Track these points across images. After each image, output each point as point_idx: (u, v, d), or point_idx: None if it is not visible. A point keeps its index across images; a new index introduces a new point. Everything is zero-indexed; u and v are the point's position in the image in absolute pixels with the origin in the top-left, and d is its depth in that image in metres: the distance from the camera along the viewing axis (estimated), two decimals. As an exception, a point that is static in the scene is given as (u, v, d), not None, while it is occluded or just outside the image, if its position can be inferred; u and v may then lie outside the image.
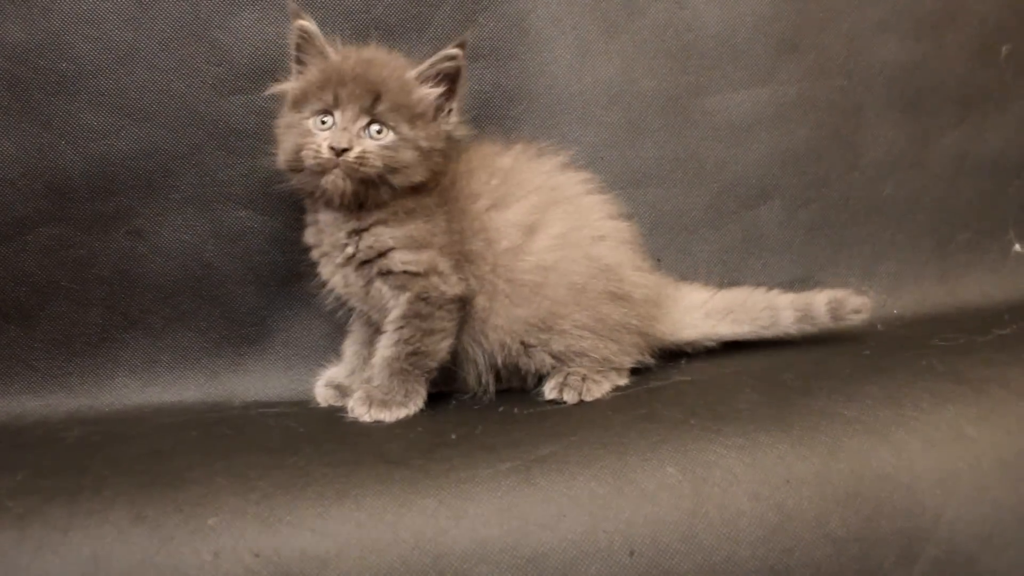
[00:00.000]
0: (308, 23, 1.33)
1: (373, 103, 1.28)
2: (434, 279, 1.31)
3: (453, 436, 1.19)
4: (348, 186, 1.28)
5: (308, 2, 1.50)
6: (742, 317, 1.54)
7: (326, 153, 1.26)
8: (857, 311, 1.54)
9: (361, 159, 1.26)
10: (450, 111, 1.35)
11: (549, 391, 1.34)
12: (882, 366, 1.39)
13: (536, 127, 1.61)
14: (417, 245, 1.31)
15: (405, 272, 1.31)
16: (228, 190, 1.51)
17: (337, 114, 1.29)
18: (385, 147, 1.28)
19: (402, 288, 1.32)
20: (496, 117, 1.60)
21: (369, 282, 1.34)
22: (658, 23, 1.68)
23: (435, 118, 1.33)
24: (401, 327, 1.31)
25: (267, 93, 1.39)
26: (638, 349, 1.42)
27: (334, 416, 1.31)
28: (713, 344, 1.54)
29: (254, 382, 1.54)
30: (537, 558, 1.00)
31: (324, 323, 1.53)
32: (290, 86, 1.36)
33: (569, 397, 1.33)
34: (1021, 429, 1.21)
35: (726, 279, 1.72)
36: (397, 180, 1.30)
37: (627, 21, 1.67)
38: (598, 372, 1.37)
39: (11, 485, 1.08)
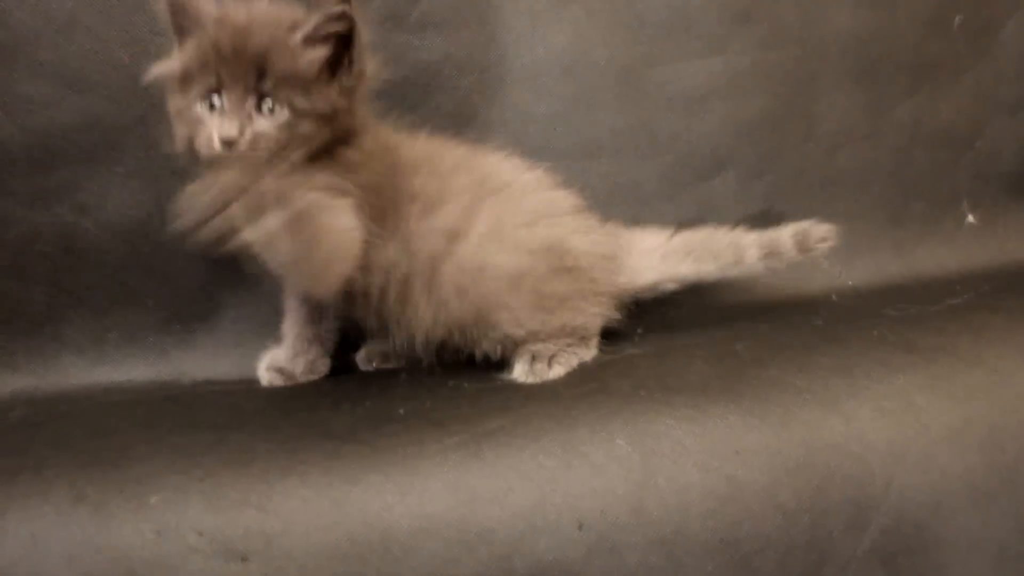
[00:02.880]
0: None
1: (259, 78, 1.19)
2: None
3: (401, 411, 1.17)
4: (253, 166, 1.18)
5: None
6: (704, 256, 1.50)
7: (218, 146, 1.18)
8: (823, 239, 1.51)
9: (254, 144, 1.19)
10: (349, 65, 1.23)
11: (519, 375, 1.31)
12: (835, 336, 1.39)
13: (487, 98, 1.60)
14: (336, 191, 1.20)
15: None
16: (174, 163, 1.47)
17: (223, 96, 1.20)
18: (280, 125, 1.20)
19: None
20: (446, 88, 1.58)
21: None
22: (611, -8, 1.66)
23: (333, 77, 1.23)
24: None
25: (147, 80, 1.26)
26: (600, 309, 1.39)
27: (282, 392, 1.29)
28: (676, 286, 1.51)
29: (204, 359, 1.52)
30: (485, 533, 0.99)
31: (274, 300, 1.50)
32: (170, 66, 1.23)
33: (533, 380, 1.30)
34: (969, 397, 1.21)
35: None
36: (301, 152, 1.21)
37: (579, -10, 1.65)
38: (567, 348, 1.34)
39: (-52, 468, 1.06)
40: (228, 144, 1.18)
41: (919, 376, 1.23)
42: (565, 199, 1.42)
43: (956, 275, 1.83)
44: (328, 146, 1.24)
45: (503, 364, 1.34)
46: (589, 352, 1.38)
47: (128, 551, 0.94)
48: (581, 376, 1.30)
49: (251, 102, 1.19)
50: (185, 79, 1.21)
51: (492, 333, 1.32)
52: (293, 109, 1.20)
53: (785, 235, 1.51)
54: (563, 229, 1.37)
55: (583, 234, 1.39)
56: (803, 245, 1.51)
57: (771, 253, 1.51)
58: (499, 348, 1.34)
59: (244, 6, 1.23)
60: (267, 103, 1.20)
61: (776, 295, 1.73)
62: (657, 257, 1.49)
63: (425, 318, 1.30)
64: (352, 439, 1.08)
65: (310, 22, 1.19)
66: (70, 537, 0.95)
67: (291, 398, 1.27)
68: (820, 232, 1.51)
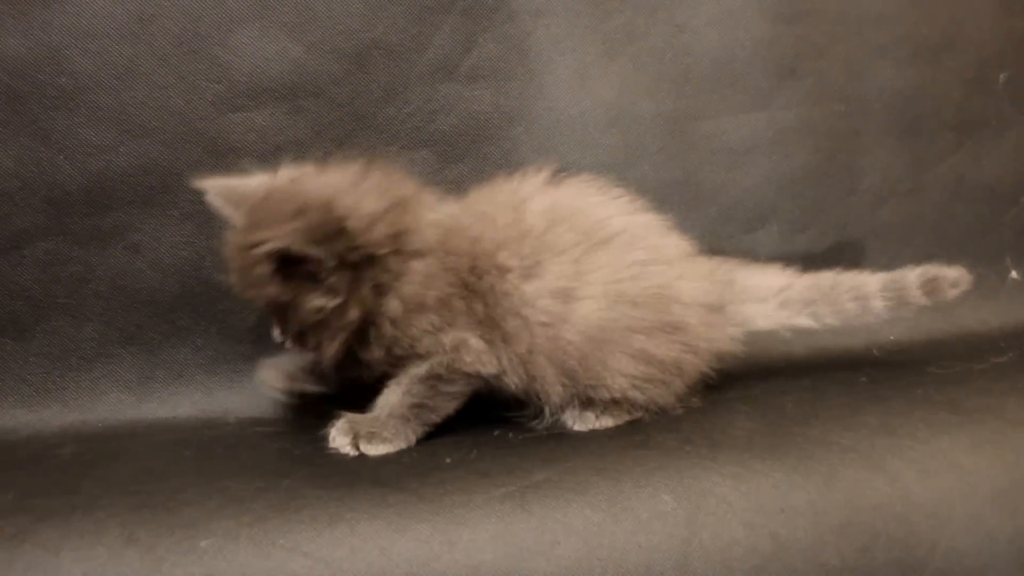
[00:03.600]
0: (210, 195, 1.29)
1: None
2: (465, 355, 1.25)
3: (448, 460, 1.18)
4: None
5: (308, 20, 1.52)
6: (825, 309, 1.42)
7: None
8: (955, 285, 1.42)
9: (296, 343, 1.27)
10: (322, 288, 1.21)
11: (568, 419, 1.31)
12: (878, 394, 1.40)
13: (535, 149, 1.62)
14: (438, 330, 1.25)
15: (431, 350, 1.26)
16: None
17: None
18: (293, 340, 1.27)
19: (428, 356, 1.26)
20: (495, 138, 1.61)
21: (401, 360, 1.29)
22: (657, 46, 1.68)
23: (306, 296, 1.21)
24: (416, 383, 1.26)
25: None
26: (686, 386, 1.36)
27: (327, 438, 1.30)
28: (790, 335, 1.45)
29: (249, 400, 1.53)
30: (531, 585, 1.00)
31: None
32: None
33: (580, 427, 1.31)
34: (1016, 460, 1.20)
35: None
36: (328, 351, 1.24)
37: (627, 44, 1.67)
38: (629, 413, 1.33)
39: (3, 504, 1.08)
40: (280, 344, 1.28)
41: (964, 437, 1.23)
42: (676, 246, 1.38)
43: (999, 332, 1.82)
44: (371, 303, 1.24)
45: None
46: (640, 413, 1.35)
47: (179, 594, 0.95)
48: (625, 429, 1.30)
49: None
50: None
51: (600, 394, 1.30)
52: (292, 328, 1.25)
53: (912, 282, 1.42)
54: (672, 274, 1.33)
55: (691, 283, 1.35)
56: (934, 292, 1.42)
57: (898, 302, 1.42)
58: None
59: (238, 228, 1.25)
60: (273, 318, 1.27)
61: (817, 348, 1.71)
62: (775, 304, 1.43)
63: (554, 387, 1.29)
64: (399, 488, 1.09)
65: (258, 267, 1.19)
66: (122, 578, 0.97)
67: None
68: (952, 277, 1.43)
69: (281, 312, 1.24)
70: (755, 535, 1.06)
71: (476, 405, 1.35)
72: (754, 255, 1.72)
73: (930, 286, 1.42)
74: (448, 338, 1.25)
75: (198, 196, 1.44)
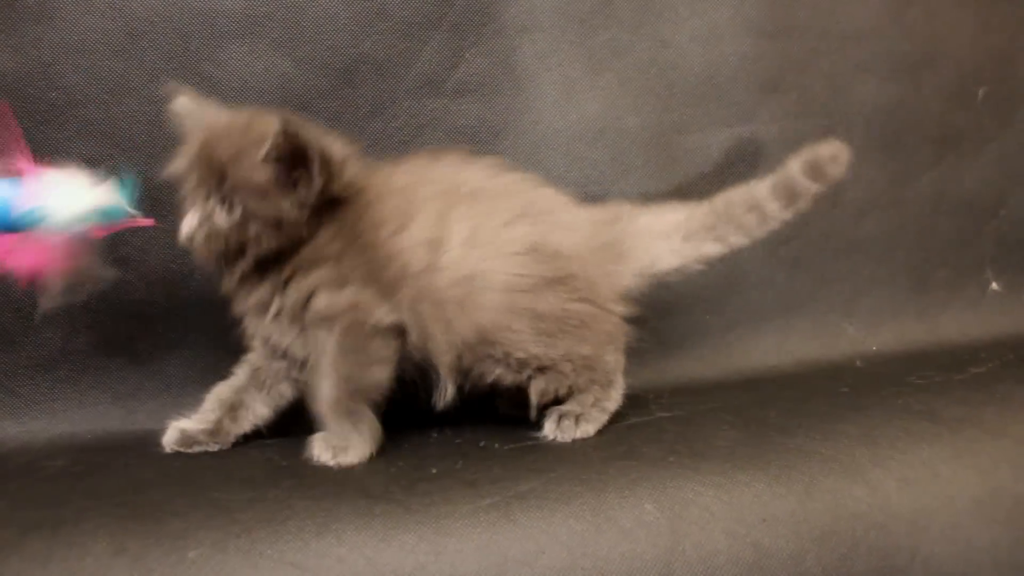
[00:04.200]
0: (185, 101, 1.34)
1: (220, 182, 1.26)
2: (360, 312, 1.27)
3: (433, 471, 1.19)
4: (208, 262, 1.31)
5: (296, 36, 1.53)
6: (727, 229, 1.42)
7: (183, 239, 1.28)
8: (834, 159, 1.41)
9: (209, 240, 1.27)
10: (307, 182, 1.25)
11: (548, 432, 1.32)
12: (859, 404, 1.41)
13: (521, 163, 1.61)
14: (336, 284, 1.28)
15: (330, 312, 1.28)
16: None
17: (193, 196, 1.29)
18: (233, 224, 1.26)
19: (331, 324, 1.28)
20: (481, 152, 1.61)
21: (303, 329, 1.31)
22: (642, 61, 1.70)
23: (293, 190, 1.26)
24: (337, 361, 1.27)
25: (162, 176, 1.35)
26: (609, 337, 1.37)
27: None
28: (702, 266, 1.44)
29: (237, 411, 1.54)
30: (516, 595, 1.01)
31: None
32: (173, 166, 1.33)
33: (563, 437, 1.31)
34: (995, 469, 1.22)
35: (709, 313, 1.74)
36: (253, 252, 1.27)
37: (612, 59, 1.69)
38: (593, 406, 1.35)
39: (-9, 516, 1.09)
40: (189, 239, 1.27)
41: (944, 447, 1.24)
42: (550, 197, 1.40)
43: (980, 342, 1.84)
44: (286, 250, 1.29)
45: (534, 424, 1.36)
46: (614, 399, 1.37)
47: (167, 605, 0.96)
48: (610, 439, 1.31)
49: (213, 202, 1.26)
50: (178, 180, 1.30)
51: (497, 352, 1.31)
52: (245, 210, 1.25)
53: (794, 170, 1.41)
54: (546, 226, 1.34)
55: (572, 230, 1.36)
56: (817, 172, 1.41)
57: (791, 196, 1.42)
58: (516, 379, 1.34)
59: (229, 116, 1.30)
60: (226, 204, 1.26)
61: (801, 359, 1.74)
62: (679, 239, 1.42)
63: (441, 344, 1.30)
64: (386, 498, 1.10)
65: (266, 143, 1.22)
66: (110, 590, 0.97)
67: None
68: (828, 152, 1.42)
69: (243, 194, 1.25)
70: (737, 544, 1.07)
71: (461, 414, 1.37)
72: (739, 267, 1.74)
73: (812, 169, 1.41)
74: (344, 296, 1.27)
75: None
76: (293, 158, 1.23)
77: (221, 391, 1.40)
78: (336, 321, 1.27)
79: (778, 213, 1.43)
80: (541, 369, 1.33)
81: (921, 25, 1.86)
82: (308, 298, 1.29)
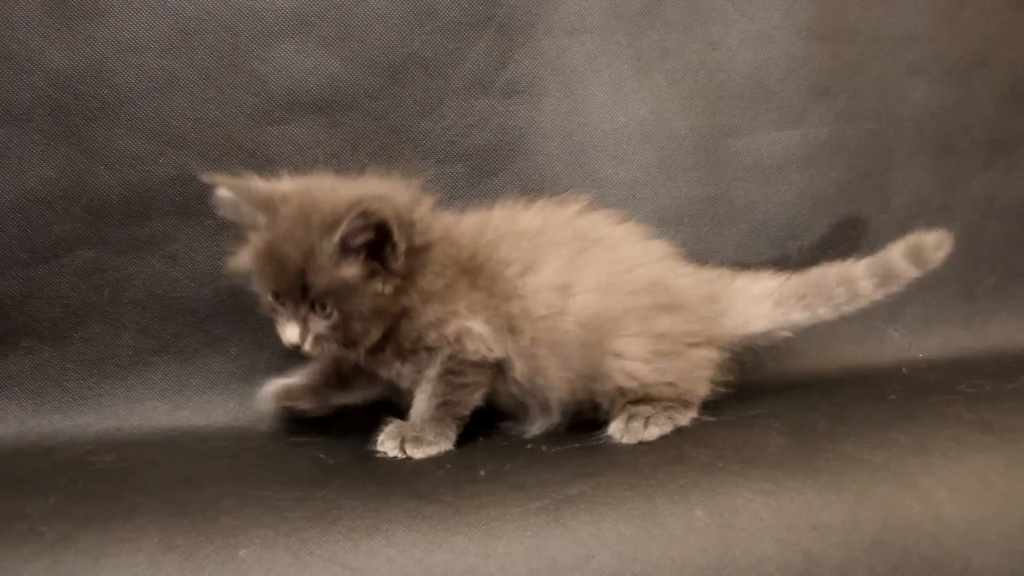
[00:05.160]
0: (225, 192, 1.30)
1: (304, 291, 1.23)
2: (467, 343, 1.29)
3: (482, 473, 1.19)
4: (328, 357, 1.33)
5: (345, 35, 1.53)
6: (816, 300, 1.46)
7: (288, 346, 1.28)
8: (938, 247, 1.47)
9: (317, 345, 1.27)
10: (393, 260, 1.24)
11: (614, 432, 1.33)
12: (909, 412, 1.39)
13: (569, 164, 1.63)
14: (442, 321, 1.28)
15: (437, 344, 1.30)
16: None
17: (282, 301, 1.27)
18: (334, 326, 1.25)
19: (438, 352, 1.30)
20: (529, 154, 1.62)
21: (408, 359, 1.33)
22: (691, 63, 1.69)
23: (371, 281, 1.24)
24: (436, 383, 1.31)
25: (227, 272, 1.38)
26: (710, 361, 1.40)
27: (362, 448, 1.31)
28: (791, 333, 1.48)
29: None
30: (565, 598, 1.00)
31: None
32: (240, 261, 1.33)
33: (627, 440, 1.32)
34: (1049, 481, 1.20)
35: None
36: (363, 344, 1.28)
37: (660, 61, 1.68)
38: (664, 411, 1.35)
39: (44, 510, 1.10)
40: (295, 347, 1.27)
41: (997, 457, 1.22)
42: (661, 248, 1.45)
43: (1028, 351, 1.82)
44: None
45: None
46: (686, 419, 1.38)
47: (218, 602, 0.97)
48: (659, 443, 1.31)
49: (305, 307, 1.25)
50: (253, 274, 1.29)
51: (606, 385, 1.34)
52: (341, 312, 1.25)
53: (895, 255, 1.47)
54: (664, 269, 1.40)
55: (684, 276, 1.42)
56: (919, 259, 1.47)
57: (886, 278, 1.47)
58: (618, 402, 1.36)
59: (289, 202, 1.26)
60: (319, 309, 1.25)
61: (848, 365, 1.72)
62: (770, 304, 1.47)
63: (555, 381, 1.33)
64: (435, 499, 1.10)
65: (339, 229, 1.20)
66: (162, 585, 0.98)
67: (371, 456, 1.29)
68: (933, 240, 1.47)
69: (334, 297, 1.23)
70: (787, 552, 1.06)
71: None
72: (786, 272, 1.72)
73: (915, 253, 1.46)
74: (451, 329, 1.28)
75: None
76: (376, 238, 1.22)
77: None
78: (441, 351, 1.30)
79: (870, 292, 1.47)
80: (644, 397, 1.36)
81: (973, 27, 1.83)
82: (417, 336, 1.30)
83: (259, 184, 1.30)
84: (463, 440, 1.34)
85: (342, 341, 1.27)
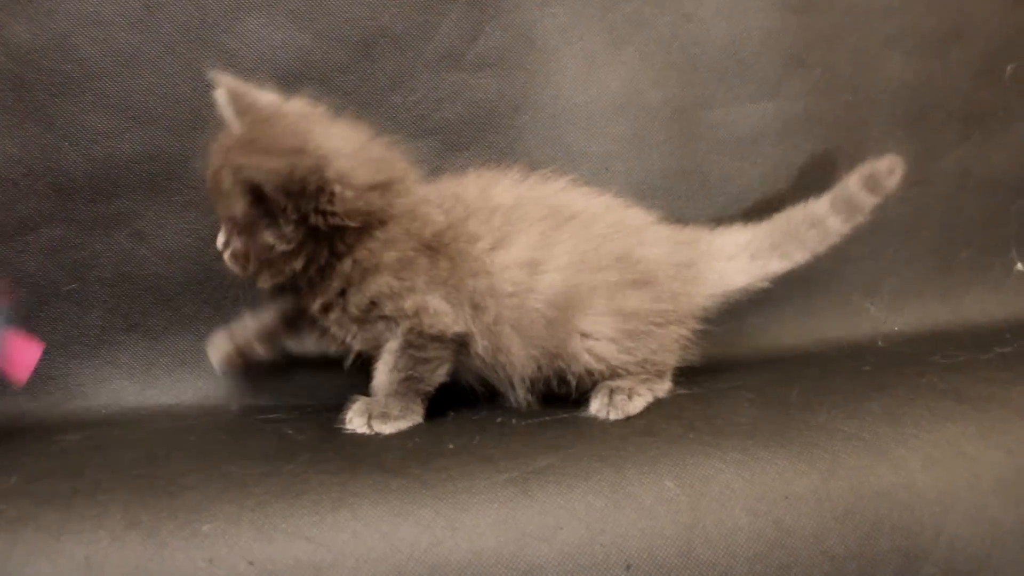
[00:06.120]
0: (219, 91, 1.29)
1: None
2: (425, 319, 1.27)
3: (450, 446, 1.18)
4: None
5: (313, 8, 1.51)
6: (791, 247, 1.47)
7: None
8: (891, 172, 1.47)
9: (235, 259, 1.29)
10: (277, 229, 1.23)
11: (596, 410, 1.31)
12: (883, 383, 1.39)
13: (541, 137, 1.61)
14: (400, 292, 1.27)
15: (396, 315, 1.29)
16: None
17: None
18: (232, 254, 1.28)
19: (395, 324, 1.29)
20: (501, 127, 1.60)
21: (364, 326, 1.31)
22: (665, 35, 1.67)
23: (260, 228, 1.24)
24: (397, 356, 1.29)
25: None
26: (677, 345, 1.39)
27: (331, 424, 1.30)
28: (768, 283, 1.49)
29: (251, 387, 1.54)
30: (533, 570, 1.00)
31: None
32: None
33: (614, 416, 1.30)
34: (1021, 448, 1.19)
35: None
36: (261, 281, 1.29)
37: (634, 33, 1.66)
38: (643, 383, 1.35)
39: (5, 488, 1.09)
40: (222, 255, 1.29)
41: (969, 426, 1.22)
42: (636, 216, 1.44)
43: (1004, 323, 1.81)
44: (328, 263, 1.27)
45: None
46: (663, 388, 1.38)
47: (180, 578, 0.95)
48: (630, 416, 1.30)
49: (230, 225, 1.27)
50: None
51: (572, 365, 1.33)
52: (242, 242, 1.26)
53: (853, 187, 1.48)
54: (634, 240, 1.38)
55: (655, 245, 1.39)
56: (875, 186, 1.47)
57: (851, 209, 1.48)
58: (589, 378, 1.35)
59: (239, 127, 1.26)
60: (234, 230, 1.27)
61: (822, 338, 1.72)
62: (746, 258, 1.47)
63: (519, 358, 1.32)
64: (402, 473, 1.09)
65: (238, 170, 1.20)
66: (124, 562, 0.97)
67: (340, 431, 1.28)
68: (885, 166, 1.48)
69: (233, 227, 1.26)
70: (758, 522, 1.06)
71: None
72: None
73: (870, 182, 1.47)
74: (408, 303, 1.27)
75: (202, 184, 1.44)
76: (260, 197, 1.21)
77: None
78: (400, 323, 1.29)
79: (839, 227, 1.48)
80: (614, 376, 1.35)
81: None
82: (370, 304, 1.28)
83: (249, 93, 1.29)
84: (433, 414, 1.33)
85: (253, 265, 1.27)
